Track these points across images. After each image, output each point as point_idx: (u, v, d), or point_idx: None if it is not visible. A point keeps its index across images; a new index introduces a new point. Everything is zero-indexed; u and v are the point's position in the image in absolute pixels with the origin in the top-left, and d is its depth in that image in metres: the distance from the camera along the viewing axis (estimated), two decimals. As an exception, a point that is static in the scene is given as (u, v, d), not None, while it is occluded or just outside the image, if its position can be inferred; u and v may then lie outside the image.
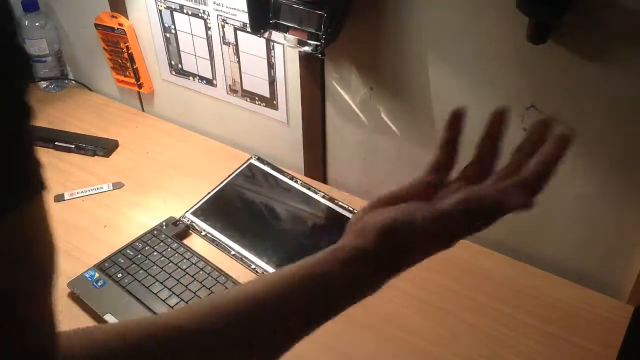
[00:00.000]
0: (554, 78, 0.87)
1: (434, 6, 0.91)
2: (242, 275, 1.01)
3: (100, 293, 0.95)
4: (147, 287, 0.97)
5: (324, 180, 1.24)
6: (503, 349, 0.89)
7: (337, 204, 1.09)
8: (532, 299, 0.96)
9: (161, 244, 1.05)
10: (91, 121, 1.41)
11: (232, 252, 1.05)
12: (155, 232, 1.07)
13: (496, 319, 0.94)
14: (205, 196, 1.14)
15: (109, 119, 1.42)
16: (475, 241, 1.07)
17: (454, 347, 0.90)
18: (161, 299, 0.95)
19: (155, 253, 1.03)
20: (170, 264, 1.01)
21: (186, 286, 0.97)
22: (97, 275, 0.98)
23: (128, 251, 1.03)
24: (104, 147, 1.31)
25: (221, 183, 1.17)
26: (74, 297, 0.96)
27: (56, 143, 1.31)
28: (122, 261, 1.01)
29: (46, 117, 1.40)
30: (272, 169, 1.18)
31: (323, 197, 1.10)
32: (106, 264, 1.00)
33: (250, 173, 1.19)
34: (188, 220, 1.11)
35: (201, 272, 0.99)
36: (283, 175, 1.17)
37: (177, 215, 1.12)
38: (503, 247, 1.06)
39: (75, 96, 1.51)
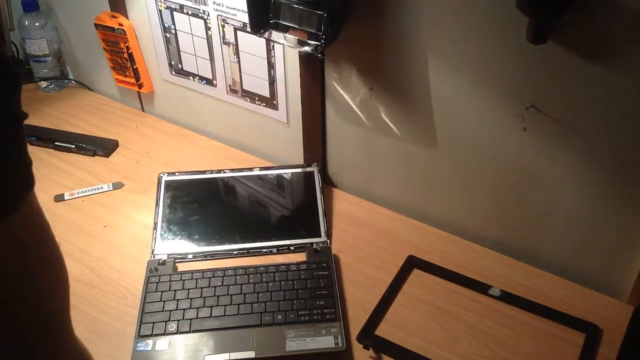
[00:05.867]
0: (554, 78, 0.87)
1: (433, 6, 0.91)
2: (262, 261, 1.01)
3: (168, 352, 0.90)
4: (201, 318, 0.94)
5: (323, 180, 1.24)
6: (503, 349, 0.89)
7: (272, 169, 1.20)
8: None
9: (172, 282, 0.99)
10: (91, 121, 1.41)
11: (236, 252, 1.05)
12: (153, 278, 1.00)
13: (496, 319, 0.94)
14: (155, 228, 1.09)
15: (109, 119, 1.42)
16: (475, 241, 1.07)
17: (454, 347, 0.90)
18: (219, 315, 0.94)
19: (178, 291, 0.97)
20: (196, 289, 0.97)
21: (230, 296, 0.96)
22: (149, 341, 0.91)
23: (149, 306, 0.96)
24: (104, 147, 1.31)
25: (158, 212, 1.12)
26: None
27: (56, 143, 1.31)
28: (157, 317, 0.94)
29: (46, 117, 1.40)
30: (187, 174, 1.19)
31: (260, 170, 1.19)
32: (144, 328, 0.92)
33: (173, 187, 1.17)
34: (166, 256, 1.04)
35: (229, 277, 0.99)
36: (203, 174, 1.19)
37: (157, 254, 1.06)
38: (503, 247, 1.06)
39: (75, 96, 1.51)
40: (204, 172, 1.19)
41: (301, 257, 1.05)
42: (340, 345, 0.89)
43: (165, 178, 1.18)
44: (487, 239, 1.08)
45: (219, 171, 1.19)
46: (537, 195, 0.99)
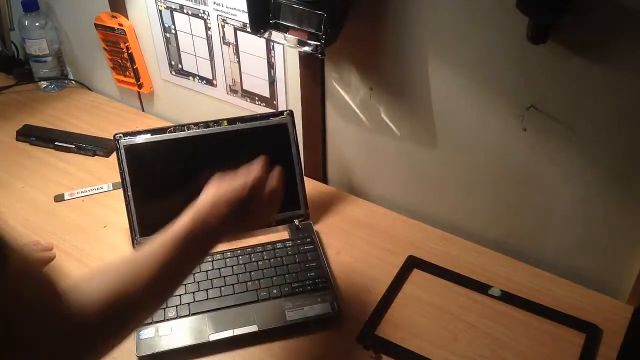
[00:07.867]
0: (554, 78, 0.87)
1: (434, 6, 0.91)
2: (247, 242, 1.01)
3: (172, 336, 0.91)
4: (199, 301, 0.95)
5: (324, 180, 1.24)
6: (503, 349, 0.89)
7: (241, 122, 1.08)
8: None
9: None
10: (91, 121, 1.41)
11: None
12: None
13: (496, 319, 0.94)
14: (130, 213, 1.04)
15: (109, 119, 1.42)
16: (475, 241, 1.07)
17: (454, 347, 0.90)
18: (216, 297, 0.95)
19: None
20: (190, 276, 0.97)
21: (223, 277, 0.98)
22: (151, 328, 0.91)
23: None
24: (104, 147, 1.31)
25: (128, 191, 1.03)
26: (155, 358, 0.89)
27: (56, 143, 1.31)
28: None
29: (46, 117, 1.40)
30: (146, 134, 1.04)
31: (227, 124, 1.08)
32: None
33: (136, 155, 1.04)
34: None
35: (218, 261, 1.01)
36: (164, 133, 1.04)
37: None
38: (503, 247, 1.06)
39: (75, 96, 1.51)
40: (165, 129, 1.05)
41: (284, 230, 1.09)
42: (337, 309, 0.93)
43: (123, 142, 1.03)
44: (487, 238, 1.08)
45: (182, 127, 1.05)
46: (537, 195, 0.99)
